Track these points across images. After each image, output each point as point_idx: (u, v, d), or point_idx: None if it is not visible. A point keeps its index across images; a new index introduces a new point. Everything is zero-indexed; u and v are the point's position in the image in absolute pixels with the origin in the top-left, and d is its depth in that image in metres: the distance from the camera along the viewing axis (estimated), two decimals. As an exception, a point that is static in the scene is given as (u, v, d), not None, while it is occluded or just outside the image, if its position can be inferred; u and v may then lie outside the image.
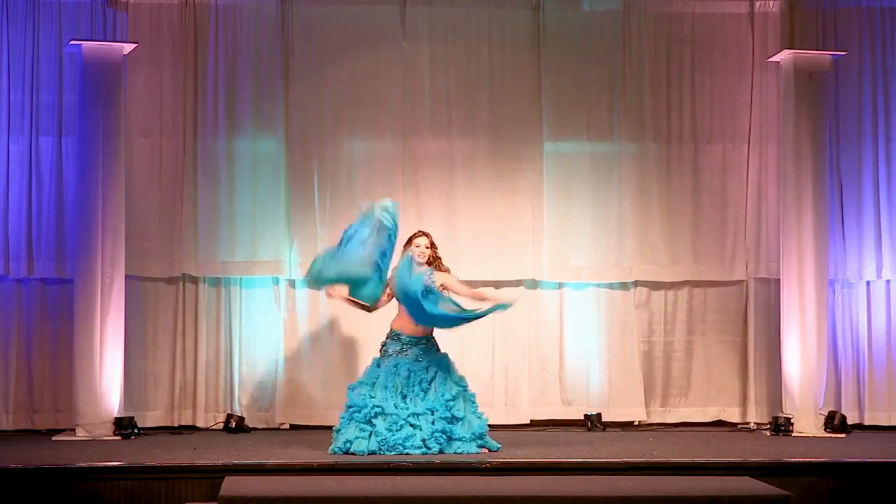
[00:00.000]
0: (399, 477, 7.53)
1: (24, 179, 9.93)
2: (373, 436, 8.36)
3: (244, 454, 8.44)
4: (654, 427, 10.26)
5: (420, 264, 8.65)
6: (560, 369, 10.38)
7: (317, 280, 8.60)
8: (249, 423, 9.99)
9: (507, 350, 10.32)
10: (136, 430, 9.39)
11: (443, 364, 8.65)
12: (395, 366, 8.57)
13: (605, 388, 10.35)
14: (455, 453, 8.35)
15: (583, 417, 10.23)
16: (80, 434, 9.31)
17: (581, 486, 7.20)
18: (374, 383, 8.53)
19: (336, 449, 8.39)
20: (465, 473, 7.73)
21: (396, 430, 8.37)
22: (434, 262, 8.74)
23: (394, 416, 8.40)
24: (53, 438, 9.36)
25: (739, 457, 8.38)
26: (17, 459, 8.02)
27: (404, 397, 8.49)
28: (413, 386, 8.51)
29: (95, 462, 7.98)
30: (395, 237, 8.56)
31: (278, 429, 10.04)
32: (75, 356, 9.43)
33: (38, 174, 9.96)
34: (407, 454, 8.27)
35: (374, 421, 8.41)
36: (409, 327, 8.65)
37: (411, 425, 8.39)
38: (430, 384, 8.53)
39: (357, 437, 8.38)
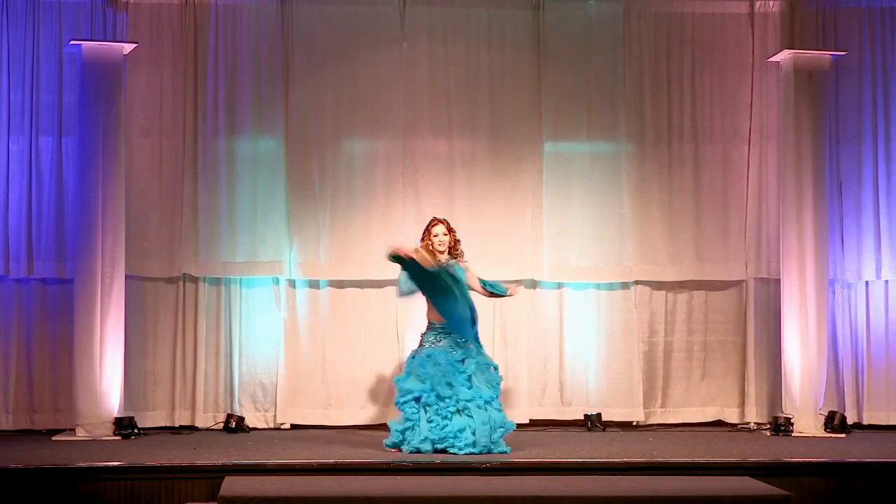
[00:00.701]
0: (399, 477, 7.54)
1: (24, 179, 9.93)
2: (423, 422, 8.48)
3: (244, 454, 8.44)
4: (654, 427, 10.26)
5: (441, 252, 8.84)
6: (560, 369, 10.38)
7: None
8: (249, 423, 9.99)
9: (507, 350, 10.32)
10: (136, 430, 9.39)
11: (480, 363, 8.72)
12: (429, 356, 8.65)
13: (605, 389, 10.34)
14: (495, 451, 8.46)
15: (583, 417, 10.23)
16: (80, 434, 9.31)
17: (581, 486, 7.21)
18: (416, 372, 8.64)
19: (395, 438, 8.62)
20: (465, 473, 7.74)
21: (447, 420, 8.46)
22: (454, 246, 8.92)
23: (439, 406, 8.49)
24: (53, 438, 9.36)
25: (739, 457, 8.38)
26: (17, 459, 8.03)
27: (450, 385, 8.55)
28: (456, 374, 8.58)
29: (95, 462, 7.99)
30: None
31: (278, 429, 10.04)
32: (75, 356, 9.43)
33: (38, 174, 9.96)
34: (455, 453, 8.35)
35: (427, 408, 8.53)
36: (441, 317, 8.77)
37: (459, 411, 8.48)
38: (469, 378, 8.61)
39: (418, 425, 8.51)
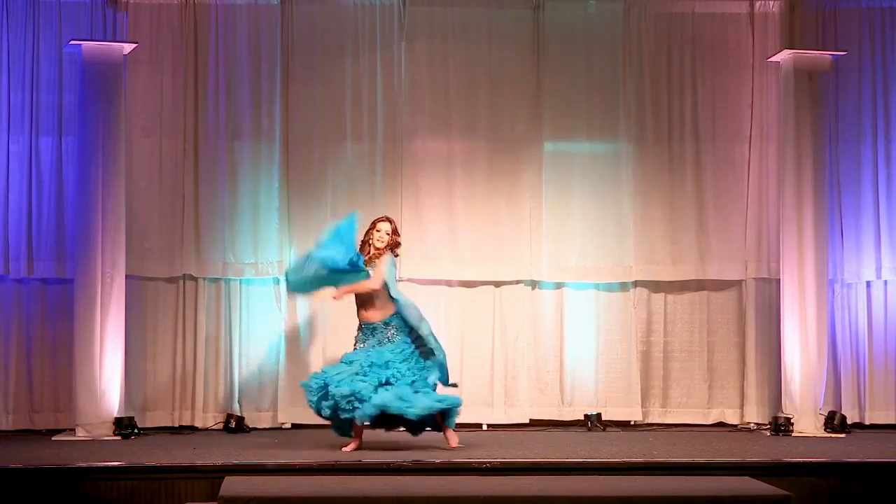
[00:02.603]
0: (399, 477, 7.54)
1: (24, 179, 9.93)
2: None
3: (244, 454, 8.44)
4: (654, 427, 10.26)
5: (378, 249, 8.74)
6: (560, 369, 10.37)
7: (297, 287, 8.91)
8: (249, 423, 9.99)
9: (507, 350, 10.32)
10: (136, 430, 9.39)
11: (404, 353, 8.66)
12: (351, 356, 8.68)
13: (605, 388, 10.34)
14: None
15: (583, 417, 10.23)
16: (80, 434, 9.30)
17: (581, 486, 7.21)
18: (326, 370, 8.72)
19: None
20: (465, 473, 7.73)
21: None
22: (394, 247, 8.82)
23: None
24: (53, 438, 9.36)
25: (739, 457, 8.38)
26: (17, 459, 8.02)
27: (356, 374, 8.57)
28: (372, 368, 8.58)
29: (95, 462, 7.98)
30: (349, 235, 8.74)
31: (278, 429, 10.04)
32: (75, 356, 9.43)
33: (38, 174, 9.96)
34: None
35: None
36: (362, 315, 8.73)
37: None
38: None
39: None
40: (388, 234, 8.79)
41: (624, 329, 10.39)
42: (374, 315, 8.71)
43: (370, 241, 8.81)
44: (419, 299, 10.06)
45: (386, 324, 8.69)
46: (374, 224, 8.85)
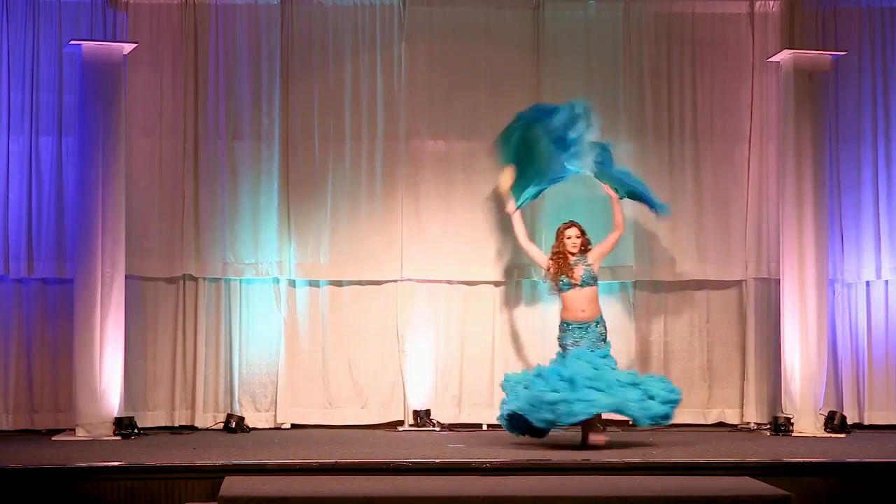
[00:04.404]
0: (399, 477, 7.54)
1: (24, 179, 9.93)
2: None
3: (244, 454, 8.44)
4: (654, 427, 10.24)
5: (573, 254, 9.11)
6: (560, 369, 10.37)
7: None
8: (249, 423, 9.99)
9: (507, 350, 10.31)
10: (136, 430, 9.39)
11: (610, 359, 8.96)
12: (577, 356, 8.83)
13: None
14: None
15: (583, 417, 10.22)
16: (80, 434, 9.31)
17: (581, 486, 7.21)
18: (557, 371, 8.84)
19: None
20: (465, 473, 7.74)
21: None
22: (585, 249, 9.19)
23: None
24: (53, 438, 9.36)
25: (739, 457, 8.37)
26: (17, 459, 8.02)
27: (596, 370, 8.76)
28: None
29: (95, 462, 7.99)
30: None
31: (278, 429, 10.04)
32: (75, 356, 9.43)
33: (38, 174, 9.96)
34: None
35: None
36: (572, 315, 9.04)
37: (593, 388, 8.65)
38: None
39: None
40: (577, 237, 9.16)
41: (624, 329, 10.39)
42: (589, 314, 9.02)
43: (562, 251, 9.14)
44: (419, 299, 10.12)
45: (598, 322, 9.05)
46: (560, 233, 9.20)
